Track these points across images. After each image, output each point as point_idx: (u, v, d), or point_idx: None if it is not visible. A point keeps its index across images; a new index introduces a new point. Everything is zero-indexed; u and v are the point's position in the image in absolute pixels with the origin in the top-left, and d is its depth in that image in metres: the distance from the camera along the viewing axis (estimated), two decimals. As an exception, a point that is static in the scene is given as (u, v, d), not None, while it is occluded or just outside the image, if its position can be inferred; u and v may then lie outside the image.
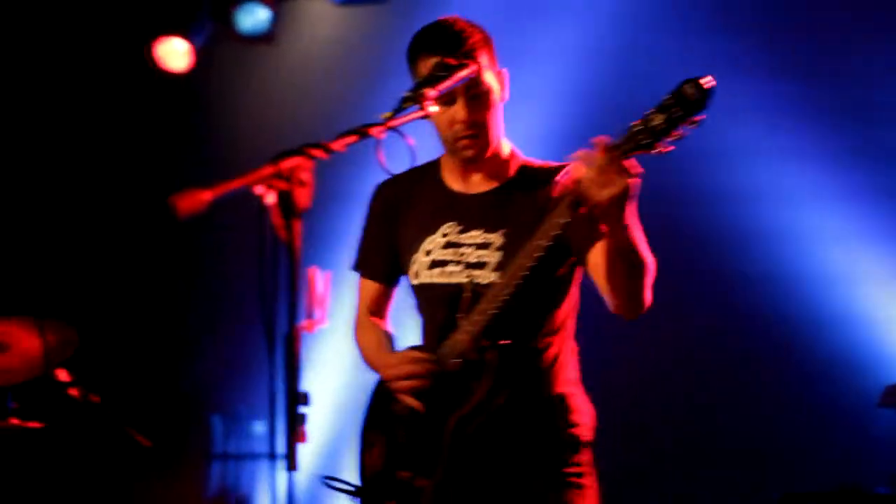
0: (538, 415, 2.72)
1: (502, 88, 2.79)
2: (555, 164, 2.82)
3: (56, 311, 4.80)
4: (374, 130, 2.30)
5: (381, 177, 2.78)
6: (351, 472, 2.96)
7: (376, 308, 3.03)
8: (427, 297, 2.85)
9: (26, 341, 4.55)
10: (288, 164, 1.99)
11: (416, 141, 2.50)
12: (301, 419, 1.97)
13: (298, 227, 1.97)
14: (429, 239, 2.83)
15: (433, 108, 2.43)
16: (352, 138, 2.24)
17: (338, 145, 2.18)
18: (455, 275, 2.76)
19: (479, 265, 2.74)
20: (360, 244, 3.04)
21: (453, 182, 2.88)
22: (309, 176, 2.01)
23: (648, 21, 5.65)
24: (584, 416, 2.79)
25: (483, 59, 2.72)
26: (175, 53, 6.49)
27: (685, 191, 5.33)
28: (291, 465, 1.95)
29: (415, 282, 2.87)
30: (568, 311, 2.82)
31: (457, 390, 2.66)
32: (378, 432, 2.88)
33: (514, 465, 2.70)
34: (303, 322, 1.99)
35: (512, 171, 2.84)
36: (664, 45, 5.48)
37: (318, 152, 2.08)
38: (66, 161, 6.59)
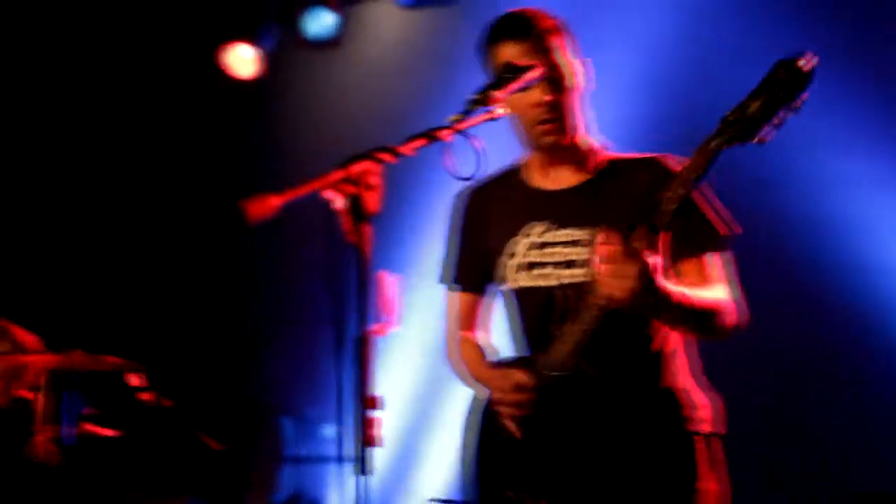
0: (650, 410, 2.62)
1: (582, 77, 2.74)
2: (642, 155, 2.74)
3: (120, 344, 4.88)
4: (442, 134, 2.28)
5: (451, 180, 2.74)
6: (420, 476, 2.93)
7: (470, 320, 2.94)
8: (518, 302, 2.77)
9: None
10: (357, 168, 1.99)
11: (485, 144, 2.47)
12: (374, 424, 1.96)
13: (368, 230, 1.97)
14: (513, 241, 2.76)
15: (501, 111, 2.40)
16: (420, 142, 2.23)
17: (406, 149, 2.17)
18: (545, 277, 2.68)
19: (569, 264, 2.65)
20: (446, 256, 2.97)
21: (536, 180, 2.80)
22: (378, 180, 2.01)
23: (713, 12, 5.54)
24: (701, 409, 2.67)
25: (555, 43, 2.68)
26: (242, 60, 6.55)
27: (770, 181, 5.23)
28: (363, 470, 1.94)
29: (504, 287, 2.80)
30: None
31: (561, 405, 2.57)
32: (487, 449, 2.78)
33: (624, 467, 2.58)
34: (373, 326, 1.99)
35: (597, 163, 2.75)
36: (730, 36, 5.40)
37: (386, 156, 2.07)
38: (135, 166, 6.67)
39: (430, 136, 2.26)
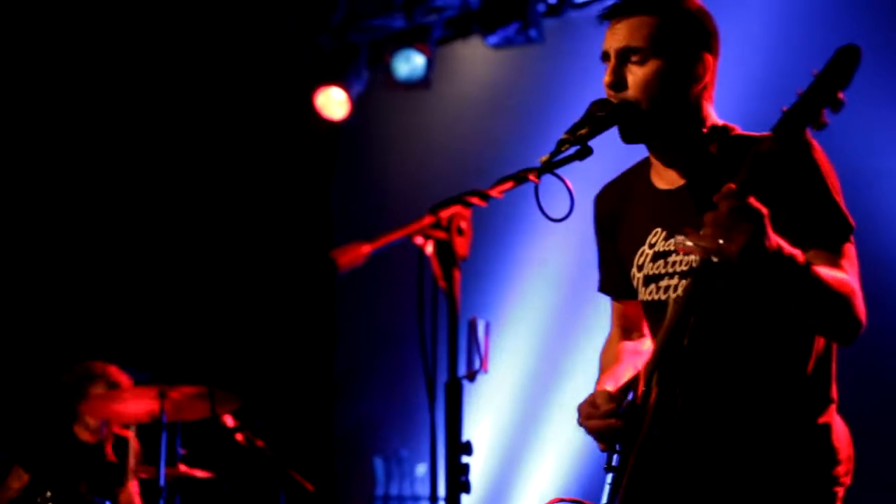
0: (761, 454, 2.36)
1: (693, 69, 2.47)
2: (754, 133, 2.45)
3: (224, 377, 4.93)
4: (532, 175, 2.26)
5: (542, 222, 2.63)
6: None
7: (631, 325, 2.75)
8: (648, 316, 2.60)
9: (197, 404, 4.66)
10: (446, 213, 1.97)
11: (575, 184, 2.43)
12: (464, 469, 1.93)
13: (458, 275, 1.95)
14: (639, 251, 2.57)
15: (592, 150, 2.37)
16: (509, 184, 2.21)
17: (496, 192, 2.15)
18: (672, 289, 2.49)
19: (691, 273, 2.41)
20: (598, 262, 2.79)
21: (657, 179, 2.58)
22: (467, 224, 1.99)
23: (828, 18, 5.36)
24: (844, 463, 2.42)
25: (663, 24, 2.44)
26: (334, 102, 6.62)
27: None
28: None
29: (640, 299, 2.62)
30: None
31: (633, 433, 2.38)
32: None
33: None
34: (463, 371, 1.97)
35: (707, 150, 2.49)
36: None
37: (476, 200, 2.05)
38: (230, 207, 6.77)
39: (520, 177, 2.24)
